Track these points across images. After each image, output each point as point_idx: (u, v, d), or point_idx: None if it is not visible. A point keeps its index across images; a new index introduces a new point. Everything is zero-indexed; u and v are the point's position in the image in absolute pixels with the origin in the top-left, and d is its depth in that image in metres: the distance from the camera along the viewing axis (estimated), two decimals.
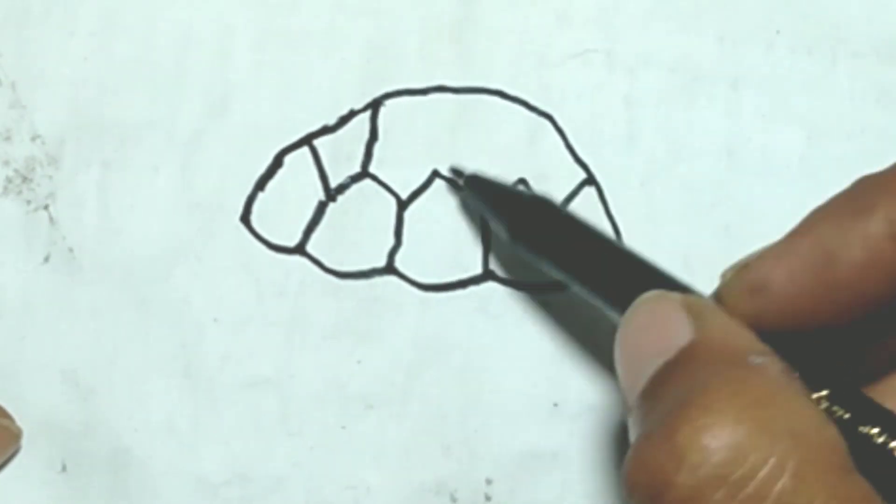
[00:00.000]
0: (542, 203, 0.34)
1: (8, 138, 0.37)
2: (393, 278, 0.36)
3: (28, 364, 0.35)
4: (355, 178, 0.36)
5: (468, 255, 0.36)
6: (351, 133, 0.36)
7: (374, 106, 0.36)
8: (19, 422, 0.35)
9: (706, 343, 0.25)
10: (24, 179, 0.36)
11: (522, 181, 0.36)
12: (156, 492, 0.35)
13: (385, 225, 0.36)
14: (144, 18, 0.37)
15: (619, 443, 0.35)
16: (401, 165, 0.36)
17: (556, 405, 0.35)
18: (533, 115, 0.36)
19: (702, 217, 0.36)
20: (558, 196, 0.36)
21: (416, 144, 0.36)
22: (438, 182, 0.36)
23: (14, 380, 0.35)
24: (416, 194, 0.36)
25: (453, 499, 0.35)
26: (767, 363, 0.24)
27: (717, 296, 0.28)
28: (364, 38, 0.37)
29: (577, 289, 0.32)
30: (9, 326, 0.36)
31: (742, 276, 0.27)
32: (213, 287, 0.36)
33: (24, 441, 0.35)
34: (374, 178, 0.36)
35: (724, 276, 0.28)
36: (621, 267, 0.31)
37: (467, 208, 0.36)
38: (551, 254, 0.32)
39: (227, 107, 0.37)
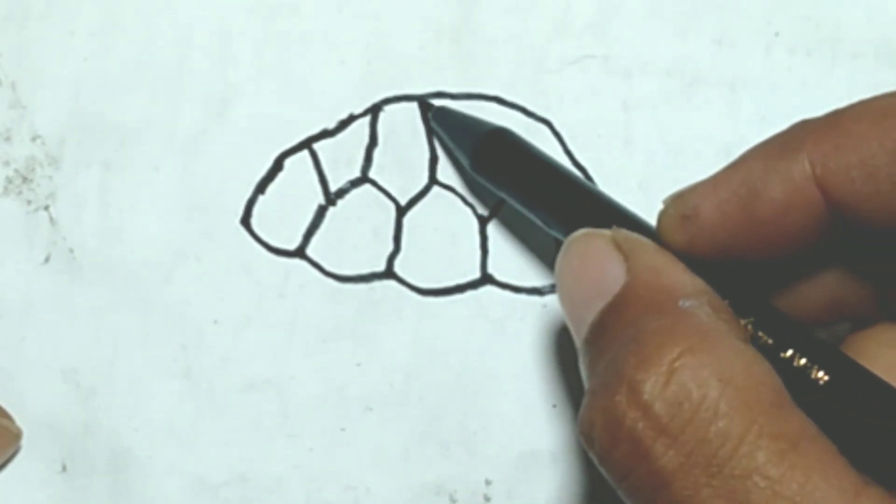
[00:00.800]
0: (503, 133, 0.34)
1: (8, 138, 0.37)
2: (392, 282, 0.36)
3: (28, 364, 0.35)
4: (355, 183, 0.36)
5: (466, 260, 0.36)
6: (351, 137, 0.36)
7: (374, 111, 0.36)
8: (19, 422, 0.35)
9: (637, 287, 0.26)
10: (25, 180, 0.36)
11: None
12: (156, 492, 0.35)
13: (384, 230, 0.36)
14: (145, 19, 0.37)
15: None
16: (400, 171, 0.36)
17: (554, 406, 0.35)
18: (531, 121, 0.36)
19: None
20: None
21: (415, 150, 0.36)
22: (437, 188, 0.36)
23: (14, 380, 0.35)
24: (414, 200, 0.36)
25: (452, 500, 0.35)
26: (696, 306, 0.25)
27: (657, 223, 0.29)
28: (364, 42, 0.37)
29: (535, 219, 0.32)
30: (9, 327, 0.36)
31: (675, 204, 0.28)
32: (213, 289, 0.36)
33: (24, 441, 0.35)
34: (374, 183, 0.36)
35: (664, 202, 0.29)
36: (571, 197, 0.31)
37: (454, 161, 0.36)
38: (510, 185, 0.33)
39: (228, 109, 0.37)
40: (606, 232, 0.28)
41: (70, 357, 0.35)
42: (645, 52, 0.37)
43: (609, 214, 0.29)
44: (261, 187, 0.36)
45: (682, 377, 0.23)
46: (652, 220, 0.31)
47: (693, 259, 0.27)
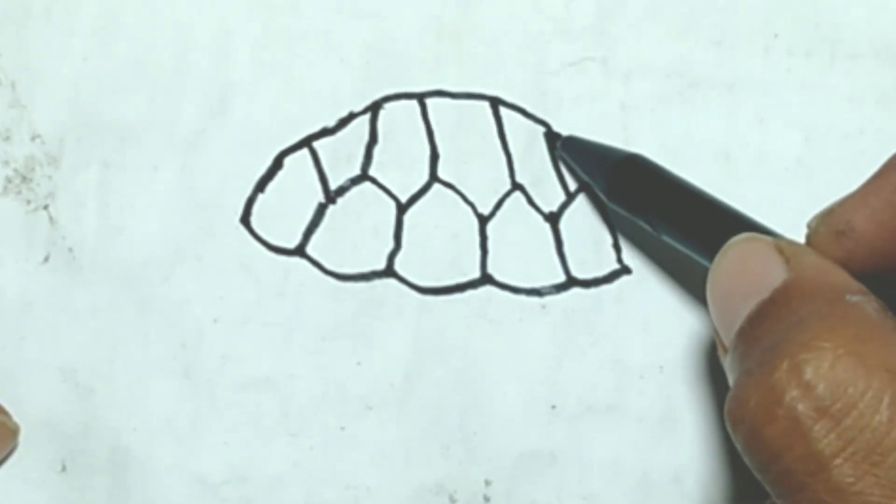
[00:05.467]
0: (636, 160, 0.34)
1: (7, 138, 0.37)
2: (392, 281, 0.36)
3: (28, 364, 0.35)
4: (355, 181, 0.36)
5: (467, 258, 0.36)
6: (351, 135, 0.36)
7: (374, 109, 0.36)
8: (19, 422, 0.35)
9: (801, 282, 0.25)
10: (24, 179, 0.36)
11: (519, 186, 0.36)
12: (155, 492, 0.35)
13: (384, 228, 0.36)
14: (144, 18, 0.37)
15: (617, 444, 0.35)
16: (400, 169, 0.36)
17: (553, 407, 0.35)
18: (530, 122, 0.36)
19: None
20: (555, 202, 0.36)
21: (416, 148, 0.36)
22: (438, 186, 0.36)
23: (14, 380, 0.35)
24: (415, 198, 0.36)
25: (452, 500, 0.35)
26: (863, 301, 0.25)
27: (806, 244, 0.28)
28: (364, 40, 0.37)
29: (671, 241, 0.32)
30: (8, 326, 0.36)
31: (827, 221, 0.28)
32: (212, 288, 0.36)
33: (23, 441, 0.35)
34: (374, 180, 0.36)
35: (809, 224, 0.28)
36: (711, 216, 0.31)
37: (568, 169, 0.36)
38: (648, 210, 0.33)
39: (227, 107, 0.36)
40: (768, 237, 0.27)
41: (69, 356, 0.35)
42: (644, 53, 0.37)
43: (750, 230, 0.29)
44: (260, 186, 0.36)
45: (849, 362, 0.23)
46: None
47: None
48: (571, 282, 0.36)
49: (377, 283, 0.36)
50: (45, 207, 0.36)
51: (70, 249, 0.36)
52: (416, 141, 0.36)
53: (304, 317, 0.35)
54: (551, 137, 0.36)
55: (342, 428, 0.35)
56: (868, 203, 0.27)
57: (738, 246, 0.28)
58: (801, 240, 0.29)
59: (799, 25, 0.37)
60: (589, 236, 0.36)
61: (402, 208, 0.36)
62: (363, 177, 0.36)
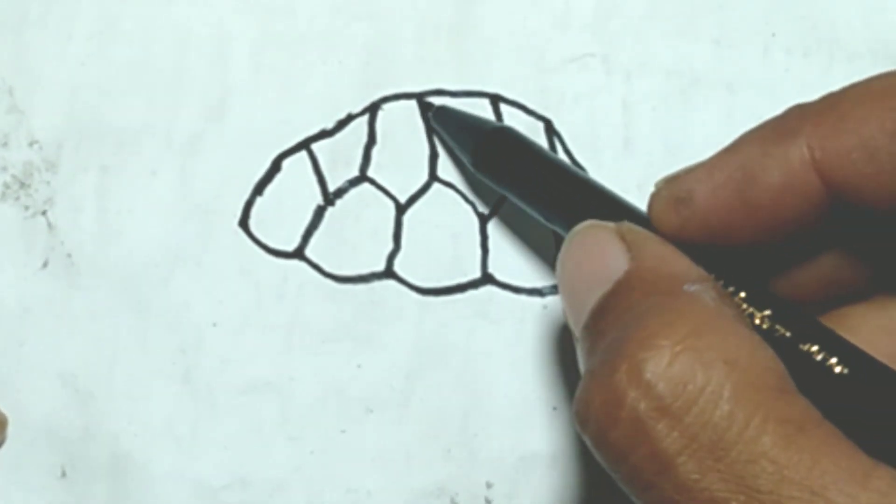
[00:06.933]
0: (504, 132, 0.34)
1: (5, 144, 0.37)
2: (392, 282, 0.36)
3: (27, 370, 0.35)
4: (354, 183, 0.36)
5: (467, 258, 0.36)
6: (349, 137, 0.36)
7: (373, 110, 0.36)
8: (19, 427, 0.35)
9: (641, 272, 0.26)
10: (22, 185, 0.36)
11: None
12: (156, 497, 0.35)
13: (384, 229, 0.36)
14: (142, 22, 0.37)
15: None
16: (399, 169, 0.36)
17: (555, 408, 0.35)
18: (531, 119, 0.36)
19: None
20: None
21: (415, 148, 0.36)
22: (437, 185, 0.36)
23: (13, 386, 0.35)
24: (414, 198, 0.36)
25: (454, 502, 0.35)
26: (701, 290, 0.25)
27: (648, 206, 0.28)
28: (362, 42, 0.37)
29: (536, 217, 0.32)
30: (8, 332, 0.35)
31: (669, 187, 0.28)
32: (212, 292, 0.36)
33: (23, 447, 0.35)
34: (373, 181, 0.36)
35: (655, 185, 0.28)
36: (573, 192, 0.31)
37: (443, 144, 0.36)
38: (512, 182, 0.33)
39: (226, 111, 0.36)
40: (610, 224, 0.27)
41: (69, 362, 0.35)
42: (644, 51, 0.37)
43: (612, 209, 0.29)
44: (259, 189, 0.36)
45: (687, 358, 0.23)
46: None
47: (684, 244, 0.27)
48: None
49: (377, 284, 0.36)
50: (44, 213, 0.36)
51: (69, 255, 0.36)
52: (416, 141, 0.36)
53: (303, 320, 0.35)
54: (424, 107, 0.36)
55: (342, 431, 0.35)
56: (712, 176, 0.27)
57: (581, 233, 0.28)
58: None
59: (797, 25, 0.37)
60: None
61: (401, 209, 0.36)
62: (362, 178, 0.36)
